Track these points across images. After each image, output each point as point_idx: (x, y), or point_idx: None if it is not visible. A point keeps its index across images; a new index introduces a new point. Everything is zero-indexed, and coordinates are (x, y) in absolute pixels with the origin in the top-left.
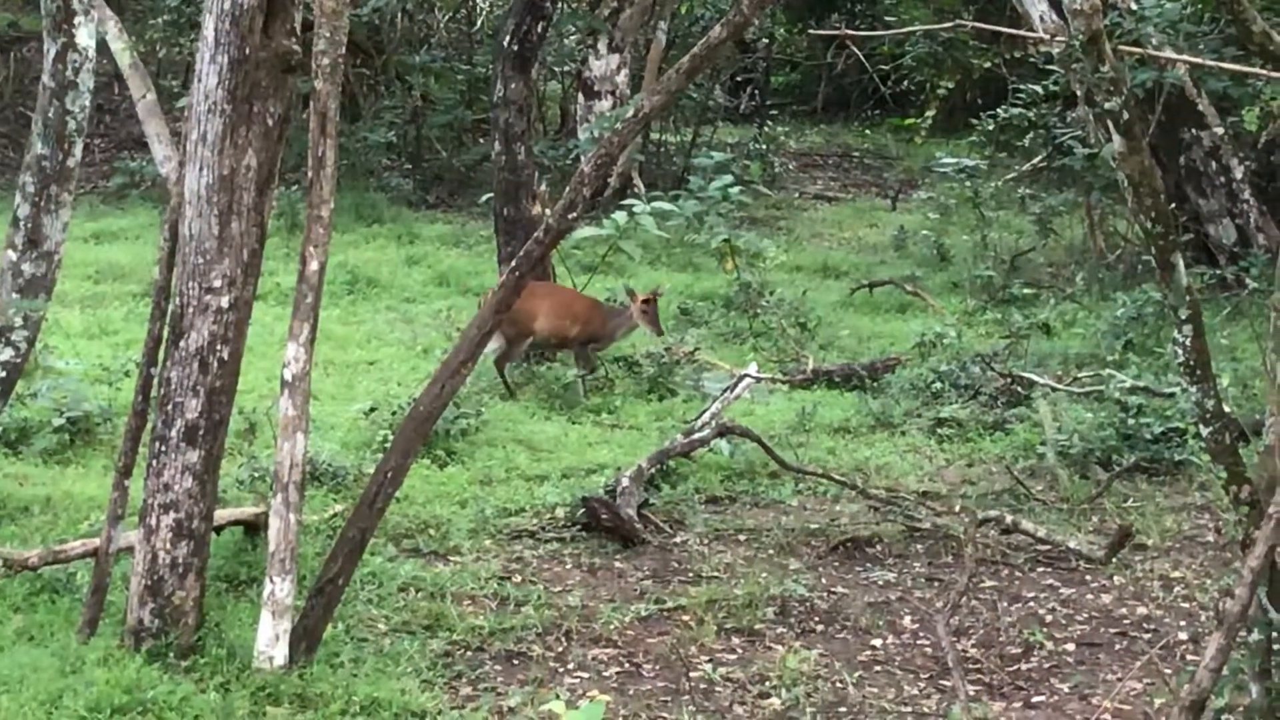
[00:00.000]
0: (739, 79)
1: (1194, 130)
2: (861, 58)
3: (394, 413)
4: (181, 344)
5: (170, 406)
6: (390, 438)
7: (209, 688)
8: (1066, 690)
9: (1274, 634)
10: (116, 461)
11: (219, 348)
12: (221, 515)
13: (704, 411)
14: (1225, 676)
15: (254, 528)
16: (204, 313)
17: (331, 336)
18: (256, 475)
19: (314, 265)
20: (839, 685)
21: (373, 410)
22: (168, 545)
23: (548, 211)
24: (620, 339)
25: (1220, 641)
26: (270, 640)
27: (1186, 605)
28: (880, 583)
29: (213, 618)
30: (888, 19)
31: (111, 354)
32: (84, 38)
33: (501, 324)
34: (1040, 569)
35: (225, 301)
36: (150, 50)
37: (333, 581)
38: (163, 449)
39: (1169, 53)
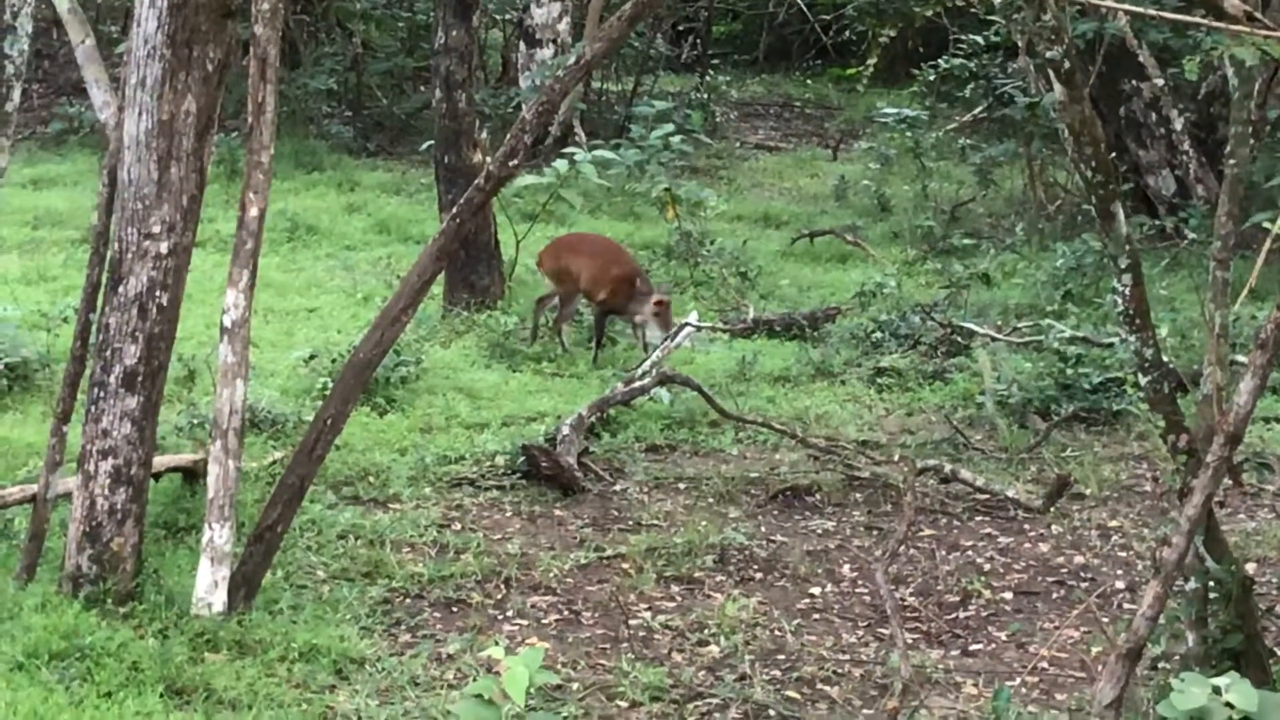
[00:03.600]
0: (681, 28)
1: (1134, 81)
2: (803, 7)
3: (334, 360)
4: (120, 290)
5: (109, 352)
6: (330, 385)
7: (147, 634)
8: (1004, 638)
9: (1210, 583)
10: (55, 407)
11: (158, 294)
12: (160, 462)
13: (644, 360)
14: (1162, 625)
15: (193, 474)
16: (143, 258)
17: (271, 284)
18: (195, 422)
19: (254, 211)
20: (777, 633)
21: (312, 357)
22: (106, 491)
23: (488, 159)
24: (634, 320)
25: (1157, 590)
26: (209, 587)
27: (1124, 554)
28: (819, 531)
29: (151, 564)
30: None
31: (50, 300)
32: None
33: (555, 281)
34: (979, 518)
35: (164, 247)
36: None
37: (272, 529)
38: (101, 395)
39: (1110, 2)
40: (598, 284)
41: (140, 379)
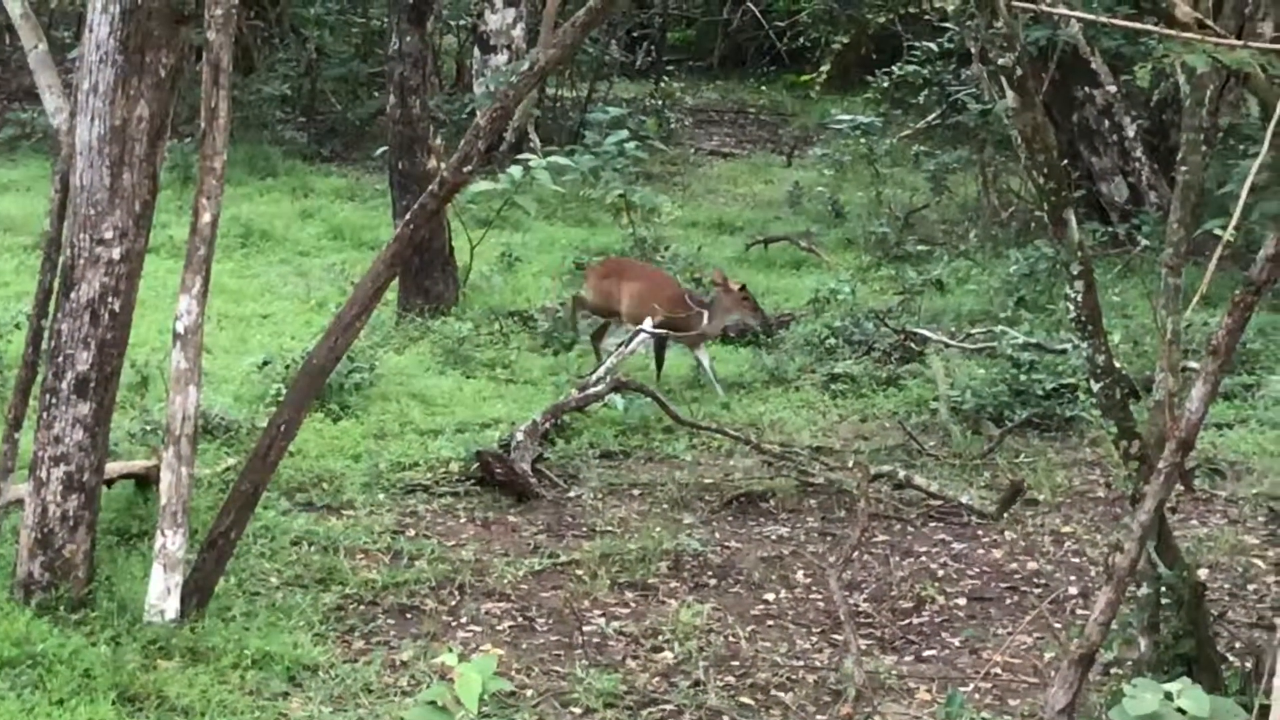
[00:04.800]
0: (635, 34)
1: (1087, 88)
2: (758, 14)
3: (287, 366)
4: (72, 296)
5: (61, 359)
6: (283, 391)
7: (100, 641)
8: (957, 644)
9: (1162, 588)
10: (6, 414)
11: (110, 300)
12: (113, 468)
13: (599, 366)
14: (1114, 630)
15: (146, 481)
16: (95, 264)
17: (225, 290)
18: (148, 428)
19: (207, 217)
20: (731, 639)
21: (266, 364)
22: (58, 498)
23: (443, 165)
24: (717, 328)
25: (1109, 596)
26: (162, 594)
27: (1077, 560)
28: (773, 537)
29: (104, 571)
30: None
31: (1, 306)
32: None
33: (586, 298)
34: (932, 524)
35: (117, 253)
36: (42, 1)
37: (225, 535)
38: (53, 401)
39: (1063, 9)
40: (650, 309)
41: (92, 385)
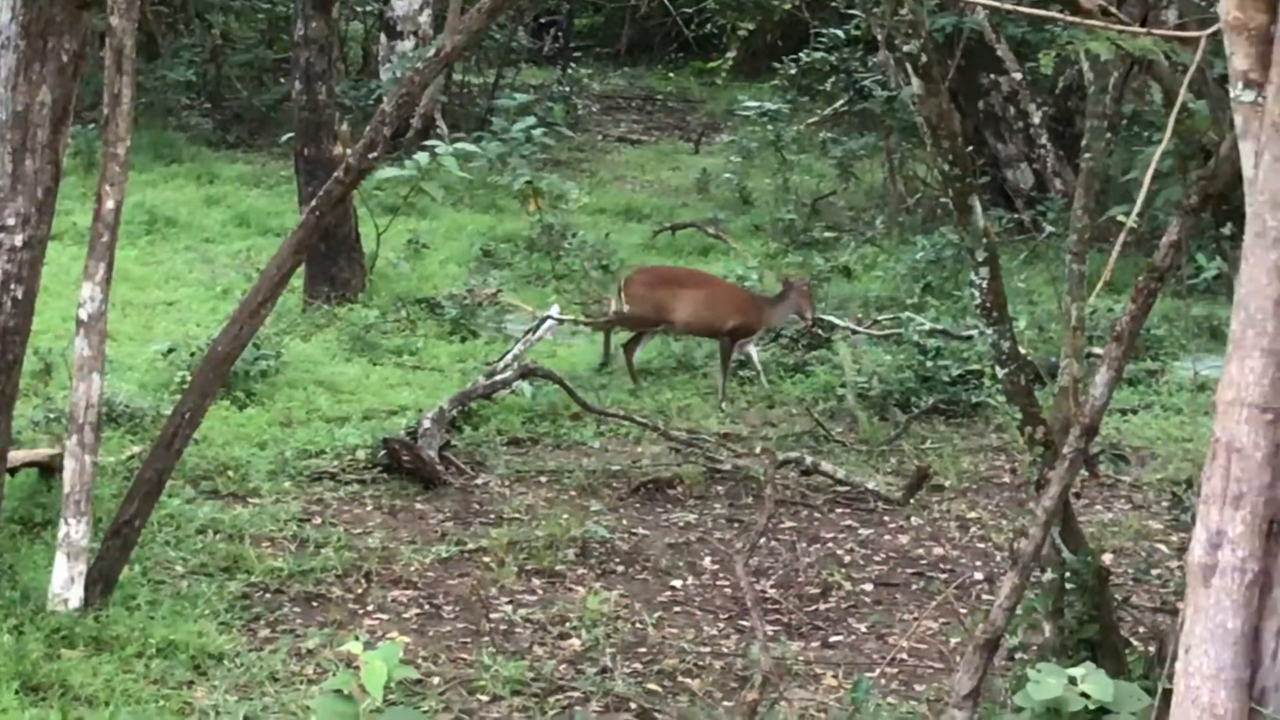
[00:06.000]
0: (542, 20)
1: (993, 75)
2: (665, 0)
3: (192, 354)
4: None
5: None
6: (189, 379)
7: (2, 631)
8: (864, 629)
9: (1067, 574)
10: None
11: (12, 287)
12: (16, 457)
13: (506, 353)
14: (1019, 615)
15: (49, 469)
16: None
17: (129, 277)
18: (52, 416)
19: (110, 204)
20: (639, 626)
21: (171, 351)
22: None
23: (348, 151)
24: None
25: (1014, 581)
26: (65, 583)
27: (982, 545)
28: (680, 524)
29: (6, 560)
30: None
31: None
32: None
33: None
34: (839, 510)
35: (19, 240)
36: None
37: (129, 523)
38: None
39: None
40: (723, 313)
41: None
